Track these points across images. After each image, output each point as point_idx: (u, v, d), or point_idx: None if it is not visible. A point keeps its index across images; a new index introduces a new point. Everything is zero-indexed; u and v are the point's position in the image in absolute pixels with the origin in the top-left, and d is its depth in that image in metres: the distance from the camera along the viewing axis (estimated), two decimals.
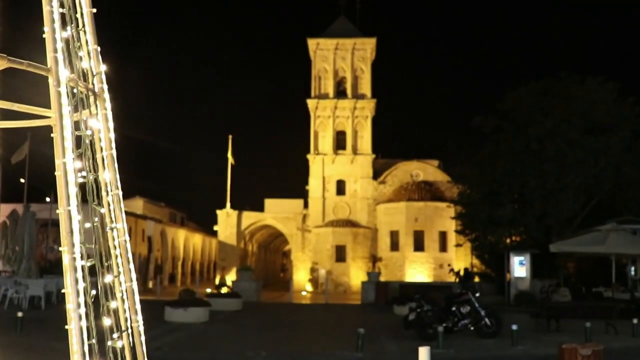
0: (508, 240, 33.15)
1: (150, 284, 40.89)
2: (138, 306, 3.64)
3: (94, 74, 3.53)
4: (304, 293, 41.16)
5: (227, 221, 48.36)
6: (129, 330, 3.55)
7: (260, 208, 49.52)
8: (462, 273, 18.62)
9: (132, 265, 3.70)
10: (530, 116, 31.56)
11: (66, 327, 2.88)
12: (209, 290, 33.21)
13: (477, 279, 32.78)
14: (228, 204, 48.56)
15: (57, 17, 3.09)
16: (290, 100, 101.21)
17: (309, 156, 47.72)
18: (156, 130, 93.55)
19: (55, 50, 3.00)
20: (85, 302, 3.00)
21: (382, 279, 37.28)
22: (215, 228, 49.71)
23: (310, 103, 48.05)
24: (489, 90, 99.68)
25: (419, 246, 43.48)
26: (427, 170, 47.25)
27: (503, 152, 31.93)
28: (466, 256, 43.04)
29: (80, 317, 2.85)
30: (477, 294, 16.80)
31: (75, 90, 3.29)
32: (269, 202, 49.42)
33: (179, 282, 50.08)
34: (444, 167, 48.44)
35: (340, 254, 45.57)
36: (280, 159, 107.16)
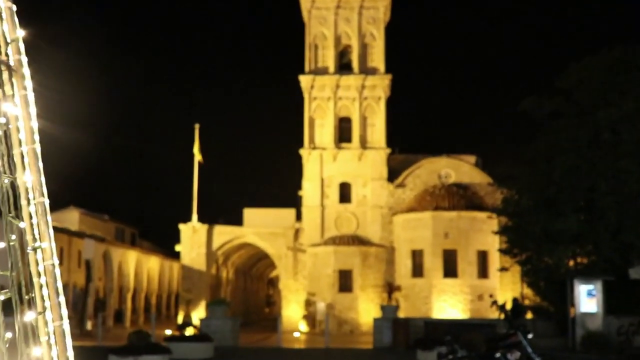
0: (571, 263, 33.13)
1: (89, 325, 40.81)
2: (70, 354, 3.62)
3: (9, 41, 3.51)
4: (297, 334, 41.26)
5: (193, 239, 48.35)
6: None
7: (238, 221, 49.57)
8: (509, 306, 18.68)
9: (62, 299, 3.68)
10: (601, 96, 31.54)
11: None
12: (169, 331, 33.17)
13: (529, 315, 32.81)
14: (195, 216, 48.60)
15: None
16: (277, 77, 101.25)
17: (302, 151, 47.80)
18: (97, 121, 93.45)
19: None
20: None
21: (402, 314, 37.23)
22: (178, 248, 49.71)
23: (304, 80, 48.11)
24: (543, 63, 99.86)
25: (450, 270, 43.53)
26: (460, 169, 47.36)
27: (563, 145, 31.91)
28: (514, 284, 42.95)
29: None
30: (530, 335, 16.79)
31: None
32: (249, 213, 49.43)
33: (129, 321, 50.02)
34: (484, 165, 48.52)
35: (345, 281, 45.60)
36: (265, 155, 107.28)
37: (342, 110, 48.27)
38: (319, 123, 48.31)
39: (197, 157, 48.81)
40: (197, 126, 48.81)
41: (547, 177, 32.25)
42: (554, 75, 35.01)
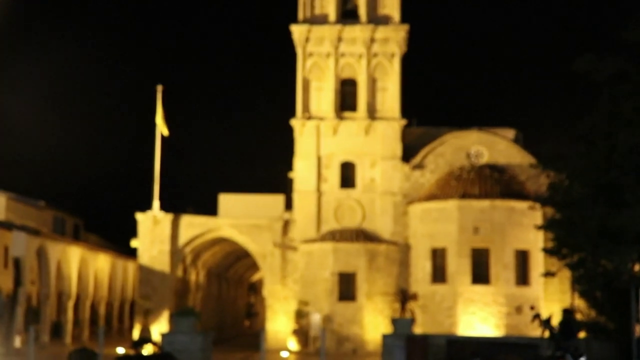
0: (637, 268, 33.04)
1: (18, 341, 40.77)
2: None
3: None
4: (285, 354, 41.28)
5: (154, 232, 48.27)
6: None
7: (211, 209, 49.75)
8: (555, 322, 18.67)
9: None
10: None
11: None
12: (121, 350, 33.16)
13: (582, 333, 32.70)
14: (156, 203, 48.73)
15: None
16: (262, 27, 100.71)
17: (293, 122, 47.89)
18: (31, 83, 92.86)
19: None
20: None
21: (418, 330, 37.34)
22: (134, 244, 49.57)
23: (297, 31, 48.11)
24: (601, 13, 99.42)
25: (480, 275, 43.72)
26: (495, 147, 47.44)
27: (628, 117, 31.76)
28: (563, 293, 43.07)
29: None
30: (583, 359, 16.77)
31: None
32: (225, 200, 49.51)
33: (70, 336, 50.10)
34: (525, 142, 48.73)
35: (346, 287, 45.70)
36: (246, 127, 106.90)
37: (345, 71, 48.32)
38: (316, 86, 48.40)
39: (161, 128, 48.64)
40: (159, 88, 48.78)
41: (606, 157, 32.11)
42: (617, 29, 34.78)
